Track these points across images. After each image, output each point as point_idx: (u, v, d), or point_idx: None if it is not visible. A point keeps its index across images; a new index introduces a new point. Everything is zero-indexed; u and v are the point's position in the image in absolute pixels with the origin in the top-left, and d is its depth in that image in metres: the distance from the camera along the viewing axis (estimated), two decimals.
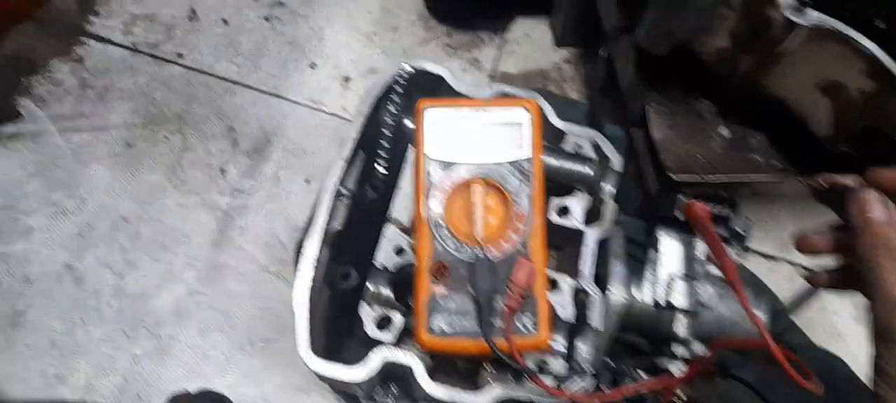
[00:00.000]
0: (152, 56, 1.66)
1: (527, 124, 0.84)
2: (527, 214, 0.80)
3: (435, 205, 0.81)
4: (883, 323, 0.55)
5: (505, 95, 1.08)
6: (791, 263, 1.67)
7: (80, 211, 1.42)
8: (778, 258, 1.67)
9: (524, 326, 0.79)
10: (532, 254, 0.79)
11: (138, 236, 1.41)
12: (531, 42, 1.92)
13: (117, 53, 1.65)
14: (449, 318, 0.79)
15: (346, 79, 1.73)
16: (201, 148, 1.55)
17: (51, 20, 1.66)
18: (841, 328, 1.56)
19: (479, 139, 0.83)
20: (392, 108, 0.98)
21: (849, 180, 0.66)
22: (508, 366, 0.81)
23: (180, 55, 1.67)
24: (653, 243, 0.98)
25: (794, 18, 0.77)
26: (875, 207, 0.59)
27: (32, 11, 1.65)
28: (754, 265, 1.65)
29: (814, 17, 0.77)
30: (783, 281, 1.65)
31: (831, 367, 1.04)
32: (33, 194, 1.42)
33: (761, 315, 0.93)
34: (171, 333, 1.33)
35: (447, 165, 0.82)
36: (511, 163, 0.82)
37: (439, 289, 0.79)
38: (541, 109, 0.91)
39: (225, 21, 1.75)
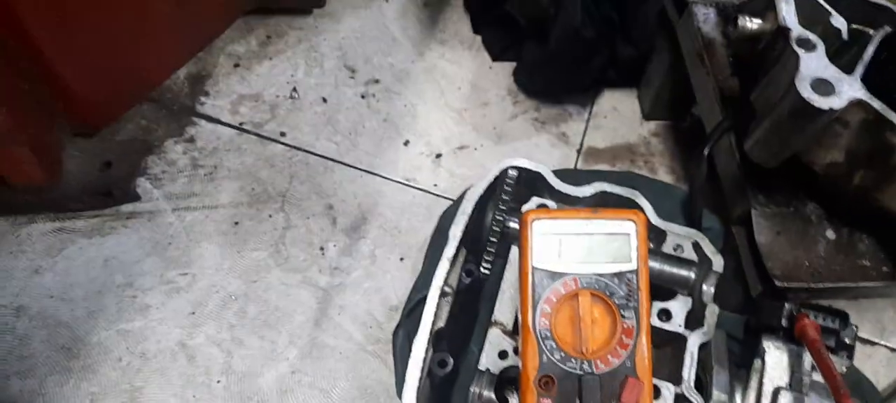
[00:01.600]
0: (257, 135, 1.74)
1: (633, 236, 0.84)
2: (634, 329, 0.81)
3: (542, 317, 0.82)
4: None
5: (604, 193, 1.10)
6: (889, 348, 1.61)
7: (191, 289, 1.49)
8: (875, 342, 1.61)
9: None
10: (639, 371, 0.79)
11: (245, 314, 1.47)
12: (618, 116, 1.92)
13: (226, 133, 1.73)
14: None
15: (438, 155, 1.77)
16: (303, 226, 1.60)
17: (165, 101, 1.76)
18: None
19: (586, 250, 0.84)
20: (498, 216, 1.00)
21: None
22: None
23: (283, 134, 1.75)
24: (758, 352, 0.96)
25: None
26: None
27: (149, 93, 1.75)
28: None
29: None
30: (880, 367, 1.59)
31: None
32: (150, 272, 1.50)
33: None
34: None
35: (554, 275, 0.83)
36: (617, 276, 0.83)
37: (546, 402, 0.80)
38: (647, 220, 0.92)
39: (324, 99, 1.82)
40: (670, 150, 1.87)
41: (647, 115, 1.93)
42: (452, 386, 1.09)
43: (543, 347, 0.83)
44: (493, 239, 1.00)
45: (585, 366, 0.81)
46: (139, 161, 1.64)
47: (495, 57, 1.98)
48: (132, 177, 1.61)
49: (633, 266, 0.85)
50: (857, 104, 0.77)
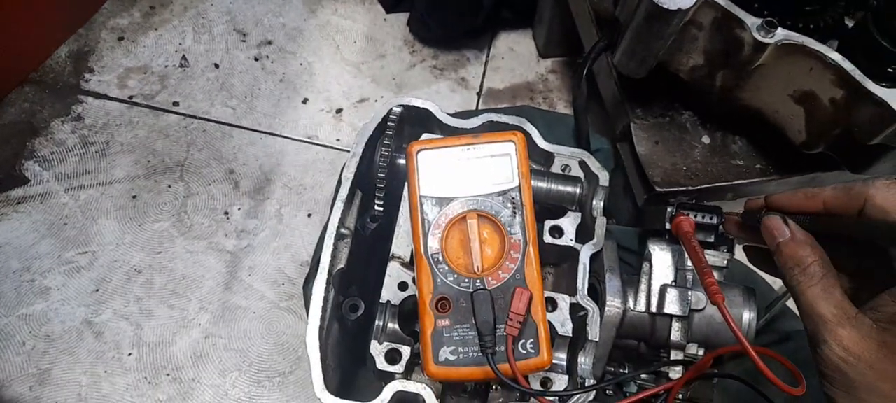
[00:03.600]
0: (149, 107, 1.70)
1: (514, 155, 0.87)
2: (521, 243, 0.84)
3: (433, 242, 0.84)
4: (810, 332, 0.59)
5: (491, 123, 1.12)
6: None
7: (93, 267, 1.45)
8: None
9: (526, 350, 0.82)
10: (528, 281, 0.82)
11: (151, 285, 1.45)
12: (515, 56, 1.95)
13: (115, 108, 1.68)
14: (454, 348, 0.82)
15: (338, 110, 1.76)
16: (204, 193, 1.58)
17: (48, 81, 1.69)
18: None
19: (470, 174, 0.86)
20: (384, 151, 1.01)
21: (758, 203, 0.71)
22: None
23: (176, 103, 1.71)
24: (645, 255, 1.01)
25: (763, 39, 0.80)
26: (779, 229, 0.65)
27: (29, 74, 1.68)
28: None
29: (781, 35, 0.80)
30: (775, 268, 1.68)
31: None
32: (47, 254, 1.46)
33: (750, 314, 0.96)
34: (191, 376, 1.37)
35: (442, 201, 0.85)
36: (502, 194, 0.85)
37: (443, 322, 0.82)
38: (527, 137, 0.94)
39: (216, 65, 1.79)
40: (568, 85, 1.91)
41: (542, 53, 1.97)
42: (368, 329, 1.11)
43: (437, 271, 0.84)
44: (382, 176, 1.01)
45: (478, 284, 0.83)
46: (24, 143, 1.58)
47: (389, 8, 1.98)
48: (17, 161, 1.55)
49: (515, 183, 0.87)
50: (705, 3, 0.82)
